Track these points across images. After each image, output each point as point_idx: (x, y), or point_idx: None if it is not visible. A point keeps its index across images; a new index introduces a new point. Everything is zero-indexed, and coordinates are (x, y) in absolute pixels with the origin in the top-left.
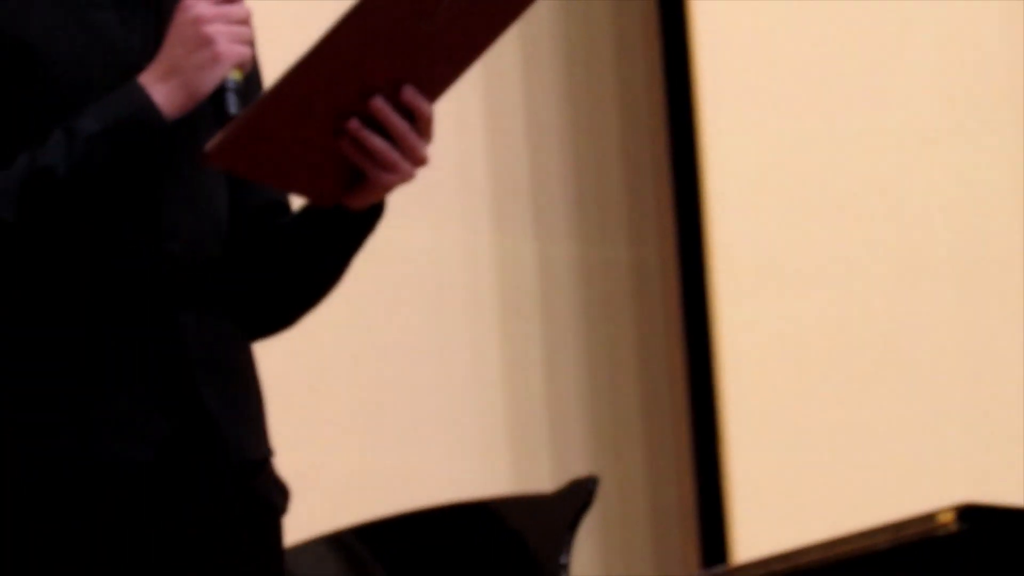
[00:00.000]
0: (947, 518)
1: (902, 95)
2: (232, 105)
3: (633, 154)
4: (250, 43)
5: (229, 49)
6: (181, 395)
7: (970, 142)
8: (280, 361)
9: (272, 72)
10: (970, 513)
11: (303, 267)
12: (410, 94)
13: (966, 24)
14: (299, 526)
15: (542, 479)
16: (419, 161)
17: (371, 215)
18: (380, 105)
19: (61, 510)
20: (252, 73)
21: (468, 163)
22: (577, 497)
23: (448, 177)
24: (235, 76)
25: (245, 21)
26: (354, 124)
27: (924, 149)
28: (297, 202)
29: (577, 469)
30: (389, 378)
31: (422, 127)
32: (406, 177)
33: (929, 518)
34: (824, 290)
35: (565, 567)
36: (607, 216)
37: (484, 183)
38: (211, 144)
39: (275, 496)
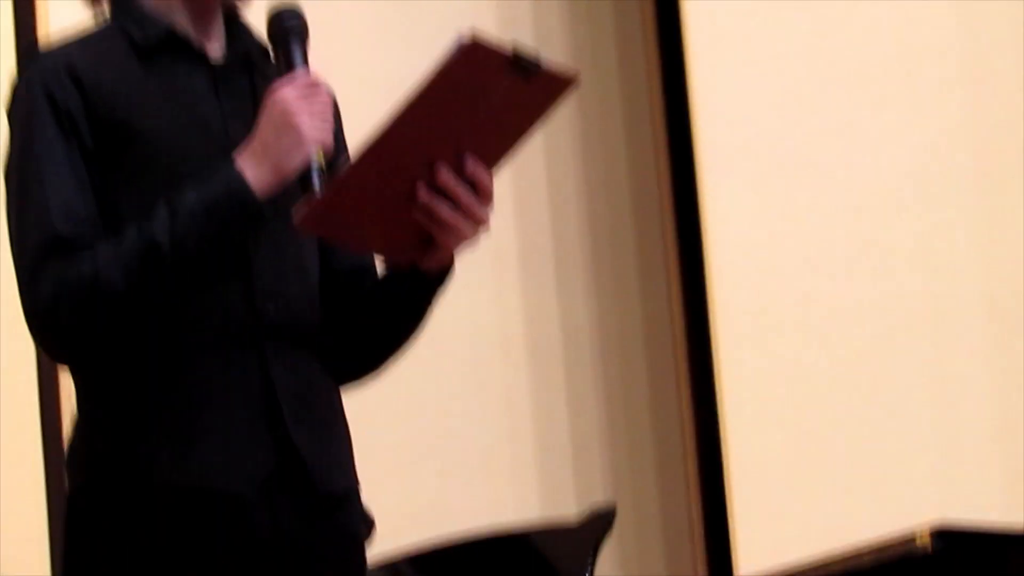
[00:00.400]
0: (923, 540)
1: (901, 137)
2: (316, 181)
3: (644, 222)
4: (331, 126)
5: (312, 131)
6: (275, 435)
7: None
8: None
9: None
10: (943, 534)
11: (386, 321)
12: (472, 165)
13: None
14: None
15: (568, 505)
16: (480, 223)
17: (443, 273)
18: (446, 176)
19: (167, 535)
20: (337, 138)
21: (498, 233)
22: (599, 524)
23: (481, 244)
24: (319, 156)
25: (327, 106)
26: (423, 193)
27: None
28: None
29: (598, 496)
30: (433, 418)
31: (483, 195)
32: (471, 240)
33: (908, 539)
34: (814, 337)
35: None
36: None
37: (512, 248)
38: (299, 212)
39: (359, 525)
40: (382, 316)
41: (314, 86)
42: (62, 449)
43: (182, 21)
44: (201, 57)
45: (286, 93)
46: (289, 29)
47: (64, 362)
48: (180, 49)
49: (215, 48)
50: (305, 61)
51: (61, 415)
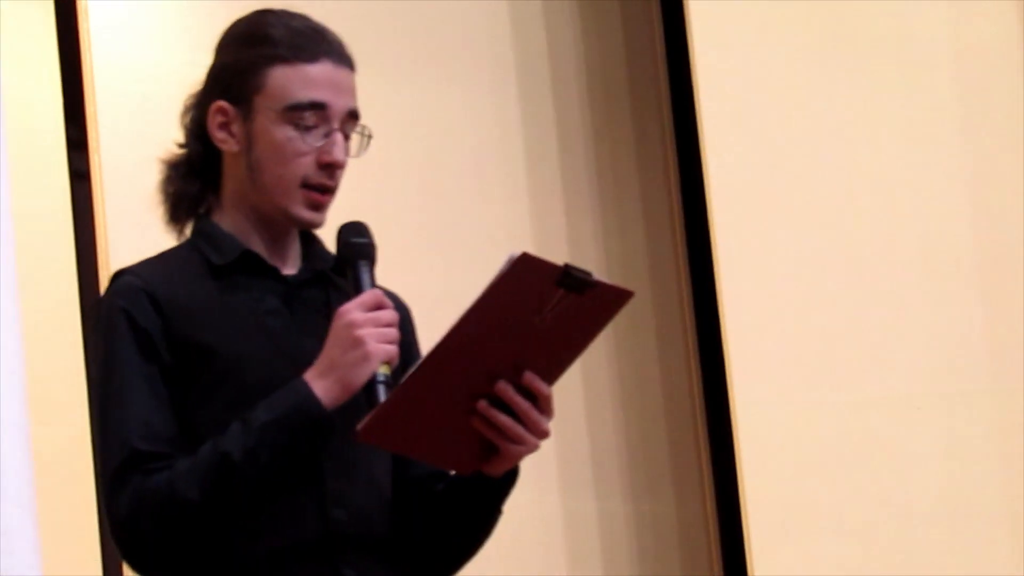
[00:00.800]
0: None
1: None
2: (381, 395)
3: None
4: (396, 342)
5: (377, 349)
6: None
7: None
8: None
9: None
10: None
11: (456, 527)
12: (529, 377)
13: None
14: None
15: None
16: (542, 434)
17: (507, 480)
18: (504, 387)
19: None
20: (410, 349)
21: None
22: None
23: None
24: (383, 370)
25: (392, 324)
26: (483, 404)
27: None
28: None
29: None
30: None
31: (542, 405)
32: (532, 448)
33: None
34: (841, 543)
35: None
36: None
37: (551, 453)
38: (362, 424)
39: None
40: (452, 521)
41: (380, 304)
42: None
43: (257, 241)
44: (275, 274)
45: (353, 314)
46: (357, 250)
47: (146, 572)
48: (255, 267)
49: (290, 265)
50: (372, 279)
51: None
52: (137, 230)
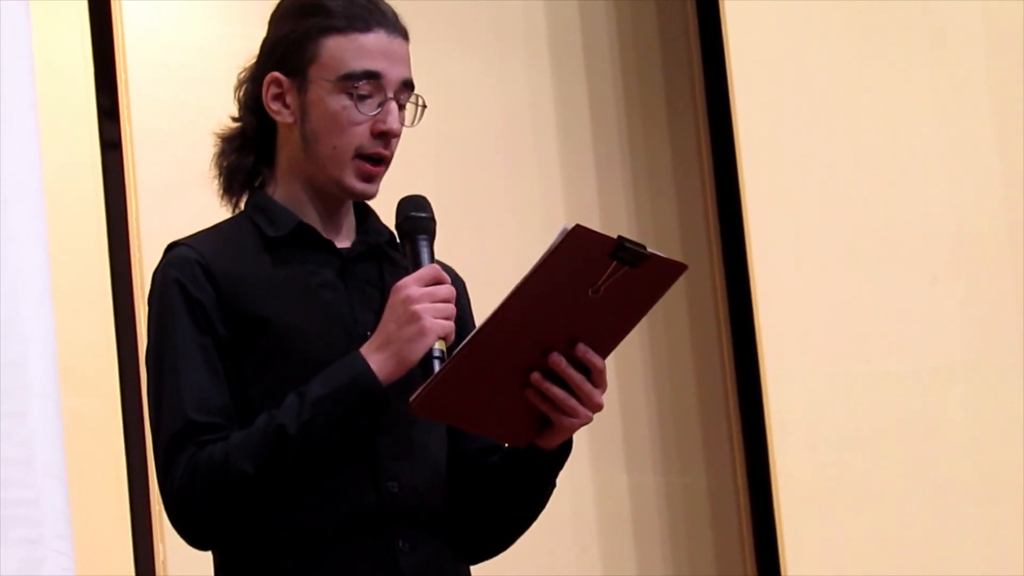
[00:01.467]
0: None
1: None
2: (437, 371)
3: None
4: (452, 318)
5: (434, 324)
6: None
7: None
8: None
9: None
10: None
11: (510, 499)
12: (583, 350)
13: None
14: None
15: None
16: (595, 407)
17: (561, 452)
18: (558, 360)
19: None
20: (465, 323)
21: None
22: None
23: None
24: (439, 346)
25: (449, 299)
26: (536, 377)
27: None
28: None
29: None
30: None
31: (596, 378)
32: (585, 420)
33: None
34: (871, 515)
35: None
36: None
37: (584, 428)
38: (415, 396)
39: None
40: (506, 494)
41: (438, 280)
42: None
43: (311, 214)
44: (330, 246)
45: (411, 288)
46: (416, 224)
47: (199, 544)
48: (309, 240)
49: (344, 238)
50: (431, 254)
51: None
52: (168, 200)
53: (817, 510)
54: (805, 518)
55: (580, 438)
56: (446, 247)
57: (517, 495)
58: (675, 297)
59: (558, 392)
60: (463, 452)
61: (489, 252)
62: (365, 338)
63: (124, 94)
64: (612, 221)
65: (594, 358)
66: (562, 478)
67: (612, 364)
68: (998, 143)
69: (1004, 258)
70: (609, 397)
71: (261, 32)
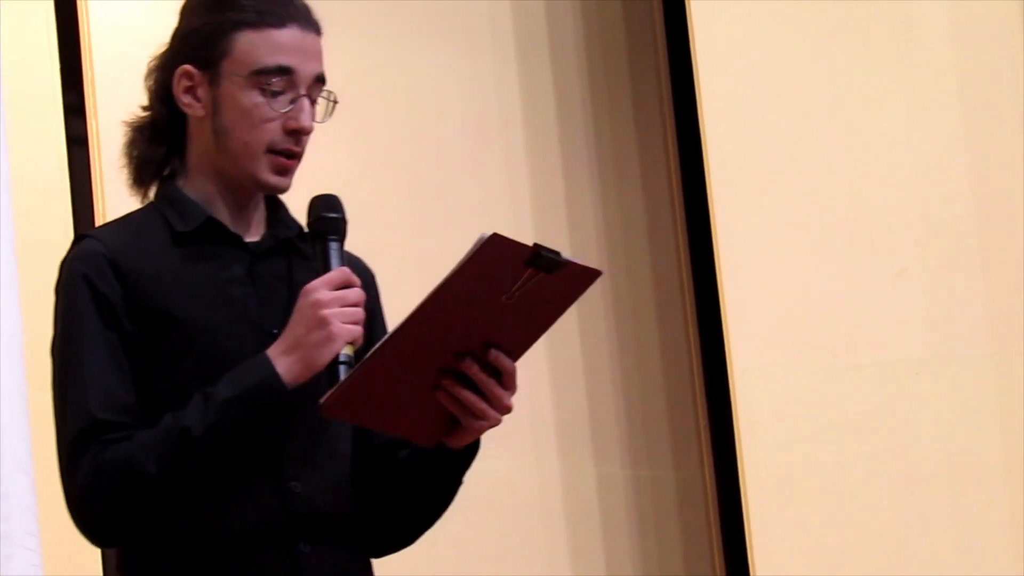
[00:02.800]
0: None
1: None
2: (343, 376)
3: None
4: (361, 322)
5: (342, 329)
6: None
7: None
8: None
9: None
10: None
11: (416, 496)
12: (495, 354)
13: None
14: None
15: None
16: (504, 410)
17: (469, 452)
18: (469, 364)
19: None
20: (375, 322)
21: (538, 407)
22: None
23: (522, 417)
24: (347, 351)
25: (358, 304)
26: (448, 380)
27: None
28: None
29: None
30: None
31: (506, 381)
32: (494, 422)
33: None
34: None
35: None
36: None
37: (551, 419)
38: (326, 398)
39: None
40: (413, 490)
41: (348, 284)
42: None
43: (221, 208)
44: (238, 241)
45: (320, 292)
46: (327, 225)
47: (102, 543)
48: (218, 235)
49: (254, 232)
50: (342, 256)
51: None
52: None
53: (785, 503)
54: (773, 511)
55: (548, 431)
56: (413, 244)
57: (424, 492)
58: (643, 291)
59: (468, 395)
60: (372, 447)
61: (456, 250)
62: (272, 335)
63: (90, 91)
64: (579, 219)
65: (505, 362)
66: (530, 471)
67: (579, 357)
68: (965, 136)
69: (971, 250)
70: (577, 390)
71: None
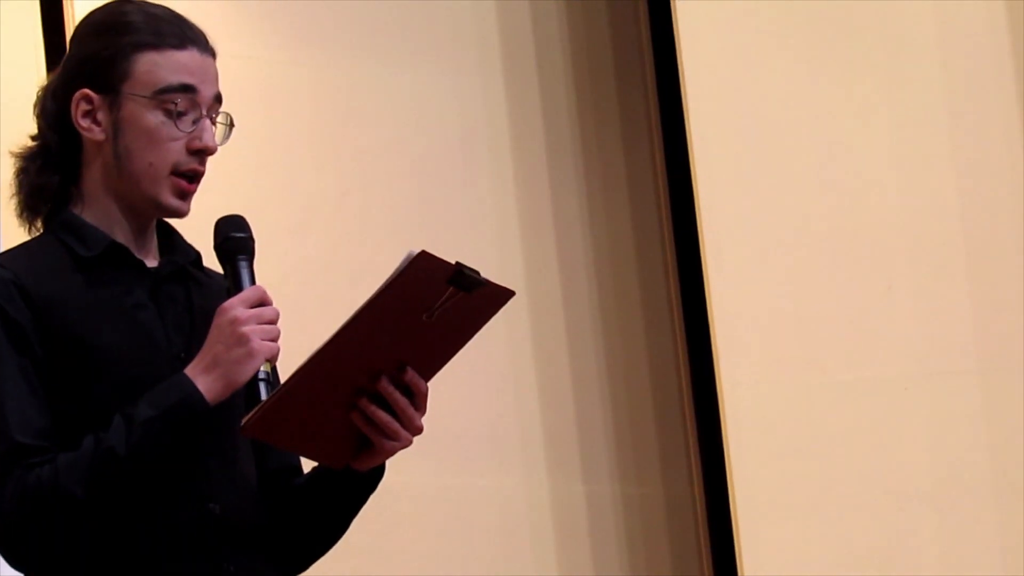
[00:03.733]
0: None
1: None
2: (264, 392)
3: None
4: (278, 339)
5: (262, 346)
6: None
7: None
8: None
9: None
10: None
11: (317, 519)
12: (411, 375)
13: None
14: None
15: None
16: (416, 430)
17: (374, 475)
18: (386, 385)
19: None
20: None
21: (527, 424)
22: None
23: (511, 434)
24: (266, 368)
25: (274, 321)
26: (363, 401)
27: None
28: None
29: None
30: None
31: (419, 402)
32: (405, 444)
33: None
34: (829, 524)
35: None
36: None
37: (539, 436)
38: (248, 419)
39: None
40: (314, 514)
41: (263, 301)
42: None
43: (122, 233)
44: (140, 266)
45: (237, 310)
46: (235, 244)
47: (27, 570)
48: (121, 260)
49: (151, 257)
50: (252, 275)
51: None
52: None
53: (774, 519)
54: (762, 527)
55: (537, 449)
56: (401, 255)
57: (326, 515)
58: (631, 306)
59: (383, 416)
60: (265, 471)
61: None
62: (178, 358)
63: None
64: (566, 234)
65: (420, 382)
66: (519, 488)
67: (568, 374)
68: (953, 151)
69: (959, 266)
70: (565, 407)
71: (217, 42)
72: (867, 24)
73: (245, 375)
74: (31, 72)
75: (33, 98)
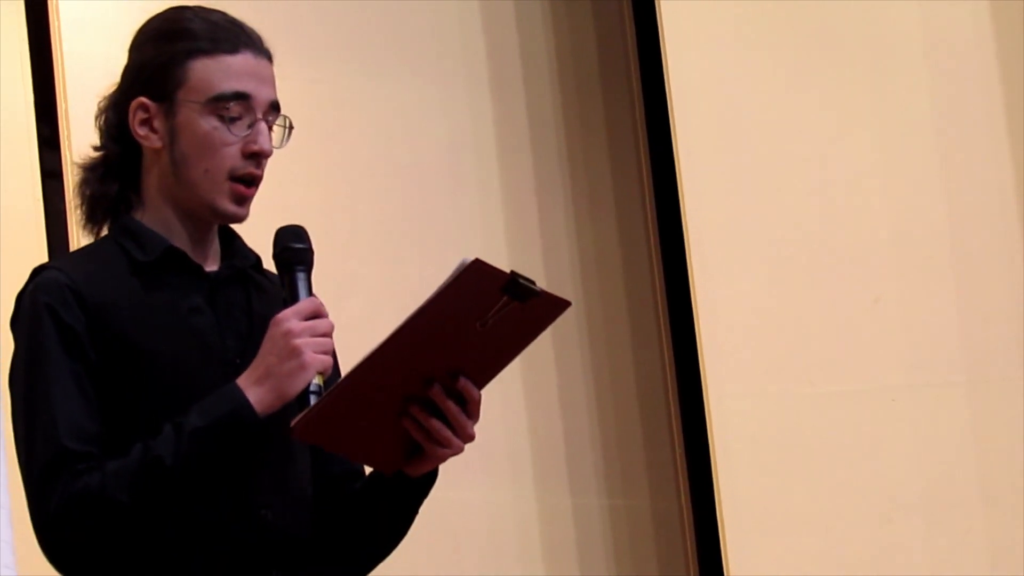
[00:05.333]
0: None
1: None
2: (313, 403)
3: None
4: (331, 352)
5: (314, 359)
6: None
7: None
8: None
9: None
10: None
11: (373, 525)
12: (463, 383)
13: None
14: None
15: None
16: (468, 438)
17: (427, 481)
18: (438, 392)
19: None
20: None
21: (514, 437)
22: None
23: (498, 447)
24: (318, 380)
25: (328, 334)
26: (415, 408)
27: None
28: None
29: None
30: None
31: (472, 410)
32: (457, 451)
33: None
34: (817, 536)
35: None
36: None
37: (527, 449)
38: (297, 420)
39: None
40: (369, 521)
41: (318, 314)
42: None
43: (180, 238)
44: (198, 270)
45: (291, 322)
46: (294, 255)
47: (71, 575)
48: (178, 264)
49: (211, 262)
50: (309, 286)
51: None
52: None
53: (762, 531)
54: (750, 539)
55: (524, 461)
56: (388, 273)
57: (379, 522)
58: (618, 319)
59: (434, 423)
60: (326, 477)
61: (431, 278)
62: (234, 365)
63: (64, 123)
64: (553, 247)
65: (472, 390)
66: (507, 501)
67: (555, 387)
68: (940, 161)
69: (946, 277)
70: (552, 420)
71: None
72: (853, 28)
73: (296, 387)
74: (16, 71)
75: (16, 95)
